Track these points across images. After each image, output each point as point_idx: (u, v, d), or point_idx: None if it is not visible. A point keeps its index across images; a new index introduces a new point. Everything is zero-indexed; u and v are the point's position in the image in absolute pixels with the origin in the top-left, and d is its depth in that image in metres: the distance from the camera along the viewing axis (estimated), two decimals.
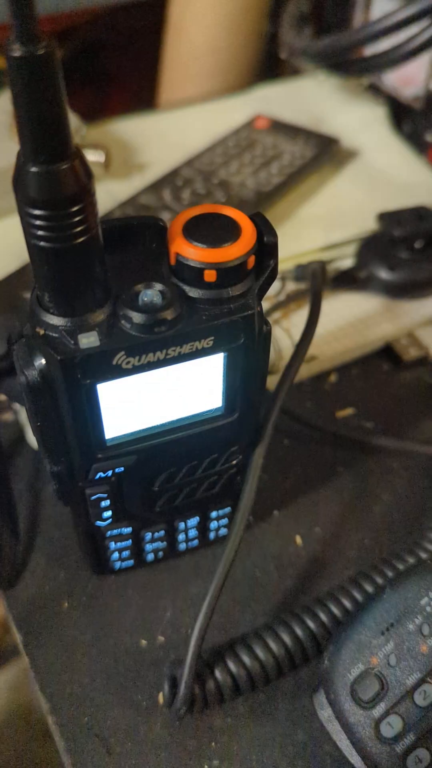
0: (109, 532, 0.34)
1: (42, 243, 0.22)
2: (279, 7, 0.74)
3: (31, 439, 0.43)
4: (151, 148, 0.63)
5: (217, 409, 0.30)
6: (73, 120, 0.57)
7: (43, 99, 0.19)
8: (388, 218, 0.51)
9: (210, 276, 0.25)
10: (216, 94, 0.75)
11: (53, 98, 0.20)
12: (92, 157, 0.56)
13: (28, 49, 0.18)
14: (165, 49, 0.86)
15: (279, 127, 0.63)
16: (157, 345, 0.25)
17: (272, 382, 0.35)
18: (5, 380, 0.37)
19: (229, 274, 0.25)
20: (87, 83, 1.05)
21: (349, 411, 0.46)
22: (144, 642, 0.35)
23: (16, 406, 0.45)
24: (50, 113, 0.20)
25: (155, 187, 0.54)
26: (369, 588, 0.34)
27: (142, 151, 0.63)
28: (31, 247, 0.23)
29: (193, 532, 0.37)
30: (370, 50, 0.56)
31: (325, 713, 0.31)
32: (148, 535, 0.35)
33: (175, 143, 0.63)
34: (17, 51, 0.18)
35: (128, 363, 0.25)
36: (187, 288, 0.26)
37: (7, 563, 0.37)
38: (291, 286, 0.51)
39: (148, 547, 0.36)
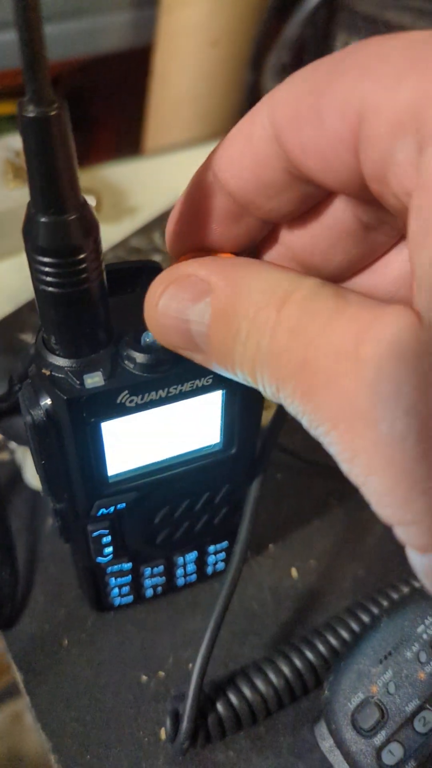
0: (109, 568, 0.34)
1: (50, 289, 0.23)
2: (260, 57, 0.77)
3: (28, 478, 0.43)
4: (140, 192, 0.65)
5: (215, 445, 0.31)
6: None
7: (54, 156, 0.21)
8: None
9: None
10: (200, 140, 0.77)
11: (64, 155, 0.21)
12: None
13: (41, 110, 0.20)
14: (150, 96, 0.88)
15: None
16: (159, 384, 0.26)
17: (265, 417, 0.36)
18: (3, 419, 0.38)
19: None
20: (74, 128, 1.08)
21: None
22: (144, 677, 0.36)
23: (13, 445, 0.45)
24: (61, 169, 0.21)
25: (145, 230, 0.56)
26: (365, 618, 0.35)
27: (131, 195, 0.65)
28: (39, 292, 0.24)
29: (191, 567, 0.37)
30: None
31: (327, 744, 0.31)
32: (148, 571, 0.36)
33: (163, 187, 0.65)
34: (31, 112, 0.20)
35: (132, 401, 0.26)
36: None
37: (6, 603, 0.38)
38: None
39: (148, 582, 0.37)
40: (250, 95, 0.81)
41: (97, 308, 0.25)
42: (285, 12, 0.70)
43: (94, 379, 0.25)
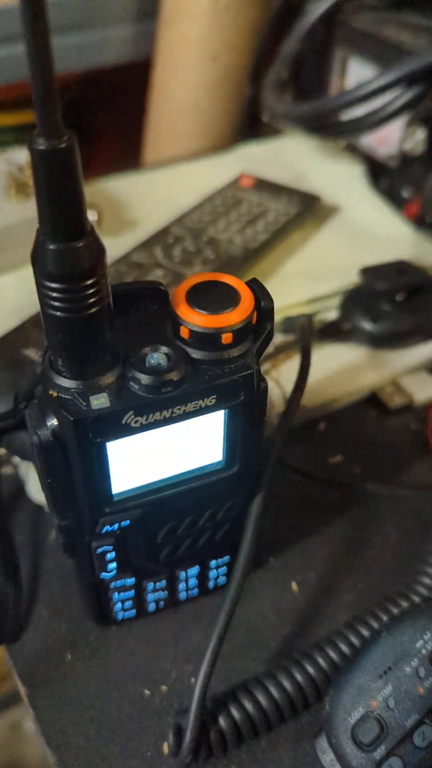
0: (113, 584, 0.35)
1: (57, 313, 0.24)
2: (260, 72, 0.78)
3: (32, 492, 0.44)
4: (141, 206, 0.66)
5: (218, 463, 0.31)
6: None
7: (63, 186, 0.21)
8: (370, 272, 0.53)
9: (227, 339, 0.27)
10: (201, 153, 0.78)
11: (72, 185, 0.22)
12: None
13: (51, 143, 0.20)
14: (150, 109, 0.89)
15: (263, 185, 0.66)
16: (164, 404, 0.27)
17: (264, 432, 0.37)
18: (7, 435, 0.39)
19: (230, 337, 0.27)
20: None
21: (338, 458, 0.48)
22: (147, 692, 0.36)
23: (16, 459, 0.46)
24: (69, 198, 0.22)
25: (147, 244, 0.56)
26: (365, 632, 0.36)
27: (132, 209, 0.66)
28: (46, 316, 0.25)
29: (193, 582, 0.38)
30: (348, 115, 0.60)
31: (327, 758, 0.32)
32: (150, 585, 0.36)
33: (164, 201, 0.66)
34: (42, 145, 0.20)
35: (136, 422, 0.26)
36: (190, 350, 0.27)
37: (10, 618, 0.38)
38: (279, 338, 0.53)
39: (150, 597, 0.37)
40: (250, 109, 0.82)
41: (104, 331, 0.25)
42: (285, 27, 0.71)
43: (100, 401, 0.26)
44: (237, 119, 0.85)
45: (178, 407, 0.27)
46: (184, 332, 0.27)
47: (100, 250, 0.24)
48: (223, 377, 0.27)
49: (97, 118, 1.09)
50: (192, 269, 0.54)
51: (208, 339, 0.27)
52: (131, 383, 0.26)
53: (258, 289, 0.28)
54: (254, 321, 0.28)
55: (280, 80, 0.68)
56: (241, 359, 0.28)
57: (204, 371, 0.27)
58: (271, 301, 0.28)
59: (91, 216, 0.58)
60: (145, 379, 0.26)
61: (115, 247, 0.59)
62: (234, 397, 0.28)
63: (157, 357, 0.27)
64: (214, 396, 0.28)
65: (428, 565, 0.39)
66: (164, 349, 0.27)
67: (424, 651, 0.31)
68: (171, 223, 0.59)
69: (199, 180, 0.69)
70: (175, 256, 0.55)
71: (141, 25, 0.91)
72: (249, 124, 0.84)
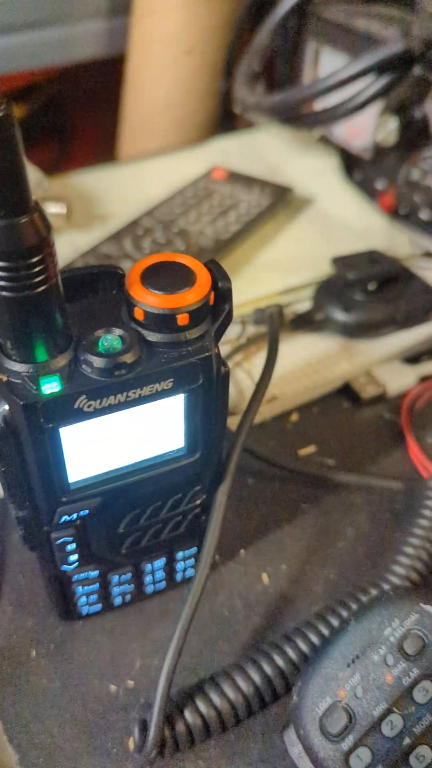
0: (75, 576, 0.34)
1: (3, 293, 0.23)
2: (233, 65, 0.77)
3: None
4: (112, 200, 0.65)
5: (179, 450, 0.31)
6: (36, 173, 0.59)
7: (2, 158, 0.21)
8: (341, 262, 0.53)
9: (183, 320, 0.26)
10: (174, 147, 0.77)
11: (12, 157, 0.21)
12: (54, 209, 0.57)
13: None
14: (124, 104, 0.88)
15: (235, 177, 0.65)
16: (118, 388, 0.26)
17: (235, 422, 0.36)
18: None
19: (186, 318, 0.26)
20: (50, 138, 1.08)
21: (311, 449, 0.47)
22: (113, 687, 0.35)
23: None
24: (10, 171, 0.21)
25: (116, 237, 0.56)
26: (334, 622, 0.35)
27: (103, 203, 0.65)
28: None
29: (160, 574, 0.37)
30: (320, 105, 0.59)
31: (296, 750, 0.31)
32: (115, 578, 0.35)
33: (136, 194, 0.65)
34: None
35: (90, 406, 0.26)
36: (145, 332, 0.27)
37: None
38: (251, 330, 0.53)
39: (116, 590, 0.36)
40: (224, 103, 0.82)
41: (52, 312, 0.25)
42: (258, 20, 0.70)
43: (50, 384, 0.25)
44: (212, 113, 0.84)
45: (134, 391, 0.26)
46: (138, 313, 0.26)
47: (46, 226, 0.23)
48: (180, 360, 0.27)
49: (73, 115, 1.08)
50: None
51: (163, 320, 0.26)
52: (84, 366, 0.26)
53: (215, 269, 0.27)
54: (211, 302, 0.27)
55: (252, 72, 0.68)
56: (199, 341, 0.27)
57: (160, 354, 0.27)
58: (229, 280, 0.27)
59: (60, 209, 0.57)
60: (97, 361, 0.25)
61: (84, 240, 0.58)
62: (192, 381, 0.27)
63: (111, 339, 0.26)
64: (171, 379, 0.27)
65: (400, 555, 0.38)
66: (118, 331, 0.26)
67: (392, 638, 0.31)
68: (141, 216, 0.59)
69: (172, 173, 0.68)
70: (145, 248, 0.54)
71: (114, 20, 0.90)
72: (224, 118, 0.83)
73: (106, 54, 0.92)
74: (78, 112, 1.07)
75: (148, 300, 0.26)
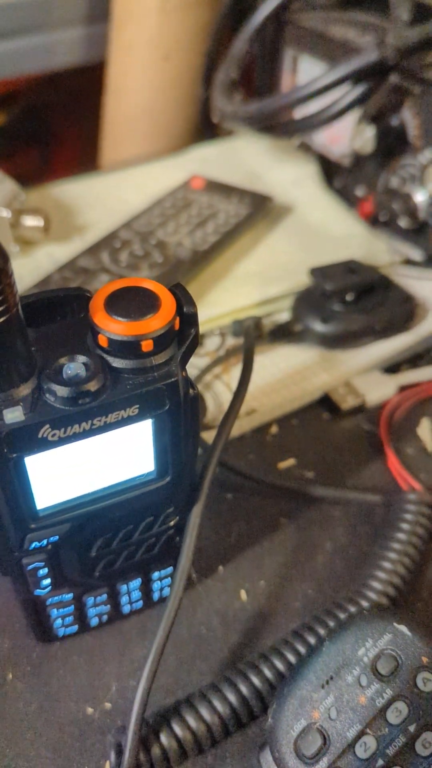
0: (49, 600, 0.34)
1: None
2: (211, 72, 0.77)
3: None
4: (91, 211, 0.65)
5: (149, 473, 0.30)
6: (12, 186, 0.59)
7: None
8: (319, 273, 0.53)
9: (147, 346, 0.26)
10: (153, 156, 0.77)
11: None
12: (31, 222, 0.57)
13: None
14: (105, 111, 0.88)
15: (214, 186, 0.65)
16: (82, 416, 0.26)
17: (212, 436, 0.36)
18: None
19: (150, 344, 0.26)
20: (31, 145, 1.07)
21: (290, 461, 0.47)
22: (90, 710, 0.35)
23: None
24: None
25: (93, 249, 0.55)
26: (311, 639, 0.35)
27: (82, 214, 0.65)
28: None
29: (136, 594, 0.37)
30: (298, 113, 0.59)
31: None
32: (91, 600, 0.35)
33: (115, 205, 0.65)
34: None
35: (54, 435, 0.26)
36: (110, 359, 0.26)
37: None
38: (230, 341, 0.53)
39: (92, 611, 0.36)
40: (204, 111, 0.81)
41: (14, 342, 0.24)
42: (237, 27, 0.70)
43: (14, 414, 0.25)
44: (192, 121, 0.84)
45: (98, 418, 0.26)
46: (102, 341, 0.26)
47: (3, 257, 0.23)
48: (145, 386, 0.26)
49: (54, 122, 1.07)
50: (139, 273, 0.53)
51: (127, 347, 0.26)
52: (47, 395, 0.25)
53: (180, 294, 0.27)
54: (177, 327, 0.27)
55: (230, 80, 0.68)
56: (165, 366, 0.27)
57: (125, 380, 0.26)
58: (194, 305, 0.27)
59: (37, 222, 0.57)
60: (61, 390, 0.25)
61: (62, 252, 0.58)
62: (159, 406, 0.27)
63: (74, 367, 0.26)
64: (137, 405, 0.27)
65: (377, 569, 0.38)
66: (82, 358, 0.26)
67: (365, 659, 0.31)
68: (119, 228, 0.59)
69: (152, 183, 0.68)
70: (122, 261, 0.54)
71: (94, 27, 0.90)
72: (204, 126, 0.83)
73: (85, 61, 0.92)
74: (59, 119, 1.06)
75: (112, 327, 0.26)
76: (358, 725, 0.30)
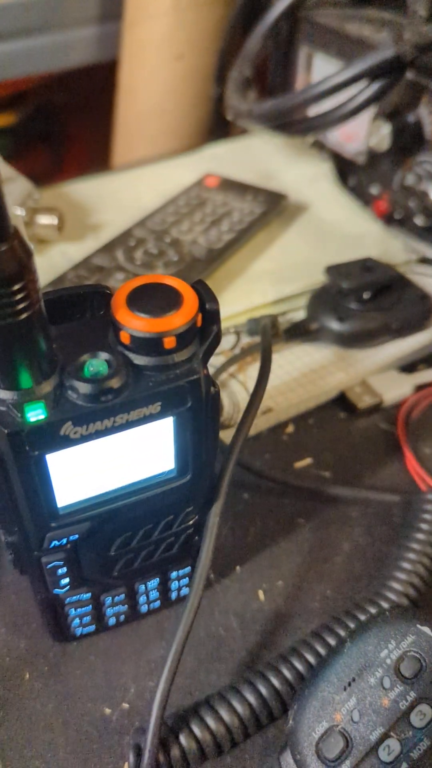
0: (68, 599, 0.34)
1: None
2: (225, 71, 0.77)
3: None
4: (105, 209, 0.65)
5: (169, 472, 0.30)
6: (26, 185, 0.59)
7: None
8: (335, 271, 0.52)
9: (170, 343, 0.26)
10: (167, 155, 0.77)
11: None
12: (46, 220, 0.57)
13: None
14: (117, 110, 0.88)
15: (228, 185, 0.65)
16: (104, 413, 0.25)
17: (229, 435, 0.36)
18: None
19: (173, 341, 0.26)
20: (43, 145, 1.08)
21: (307, 461, 0.47)
22: (108, 710, 0.35)
23: None
24: None
25: (108, 247, 0.55)
26: (331, 640, 0.35)
27: (96, 212, 0.64)
28: None
29: (154, 594, 0.36)
30: (312, 111, 0.59)
31: None
32: (109, 600, 0.35)
33: (129, 203, 0.65)
34: None
35: (76, 433, 0.25)
36: (132, 356, 0.26)
37: None
38: (245, 340, 0.52)
39: (109, 611, 0.36)
40: (217, 109, 0.81)
41: (36, 338, 0.24)
42: (250, 25, 0.70)
43: (36, 412, 0.25)
44: (205, 120, 0.84)
45: (121, 416, 0.26)
46: (124, 337, 0.26)
47: (26, 252, 0.22)
48: (167, 383, 0.26)
49: (66, 121, 1.07)
50: (154, 271, 0.53)
51: (149, 344, 0.26)
52: (69, 392, 0.25)
53: (202, 291, 0.27)
54: (199, 323, 0.27)
55: (244, 79, 0.67)
56: (187, 364, 0.27)
57: (147, 377, 0.26)
58: (216, 302, 0.27)
59: (52, 220, 0.57)
60: (83, 387, 0.25)
61: (76, 251, 0.58)
62: (181, 404, 0.27)
63: (97, 364, 0.25)
64: (159, 403, 0.26)
65: (397, 570, 0.38)
66: (104, 355, 0.26)
67: (388, 661, 0.30)
68: (133, 226, 0.58)
69: (165, 182, 0.68)
70: (137, 259, 0.54)
71: (106, 26, 0.90)
72: (217, 124, 0.83)
73: (98, 60, 0.92)
74: (71, 118, 1.06)
75: (134, 324, 0.25)
76: (381, 728, 0.29)
